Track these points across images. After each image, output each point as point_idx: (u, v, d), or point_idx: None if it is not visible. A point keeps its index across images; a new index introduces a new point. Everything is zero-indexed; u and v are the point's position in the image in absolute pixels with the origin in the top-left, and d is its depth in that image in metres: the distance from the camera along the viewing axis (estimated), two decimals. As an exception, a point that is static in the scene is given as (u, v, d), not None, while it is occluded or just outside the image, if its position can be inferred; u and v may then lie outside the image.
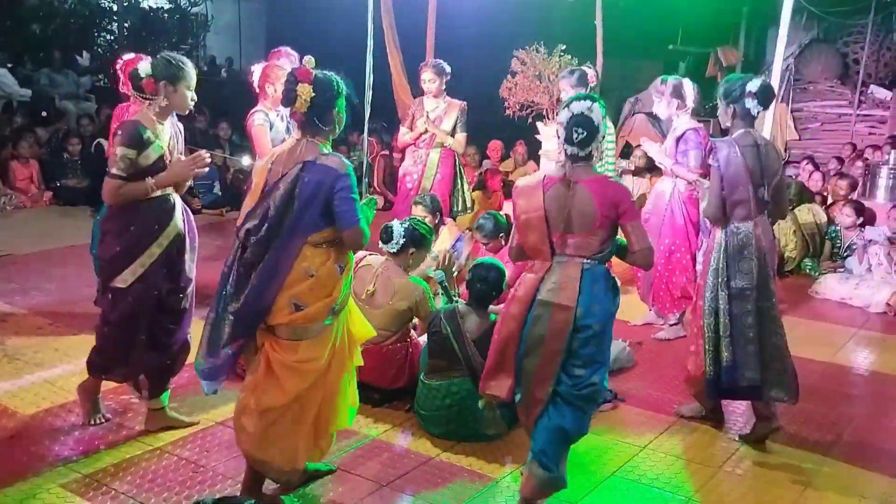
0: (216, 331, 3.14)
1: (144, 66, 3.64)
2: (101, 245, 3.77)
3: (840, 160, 10.38)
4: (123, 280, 3.67)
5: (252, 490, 3.30)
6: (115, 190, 3.57)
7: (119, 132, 3.56)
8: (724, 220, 3.99)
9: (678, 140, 5.26)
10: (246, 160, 5.47)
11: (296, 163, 3.07)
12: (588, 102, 3.18)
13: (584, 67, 6.09)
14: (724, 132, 4.23)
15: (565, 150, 3.20)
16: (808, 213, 7.73)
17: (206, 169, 3.79)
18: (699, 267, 4.34)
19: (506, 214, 5.60)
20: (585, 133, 3.13)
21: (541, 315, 3.17)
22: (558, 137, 3.23)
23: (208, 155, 3.77)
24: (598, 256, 3.17)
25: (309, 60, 3.14)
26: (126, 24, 11.99)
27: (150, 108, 3.66)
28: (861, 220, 7.46)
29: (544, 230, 3.16)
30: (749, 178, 3.91)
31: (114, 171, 3.54)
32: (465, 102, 6.22)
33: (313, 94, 3.06)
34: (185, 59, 3.71)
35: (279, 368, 3.14)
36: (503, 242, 5.39)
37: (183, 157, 3.77)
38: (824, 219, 7.76)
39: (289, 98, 3.09)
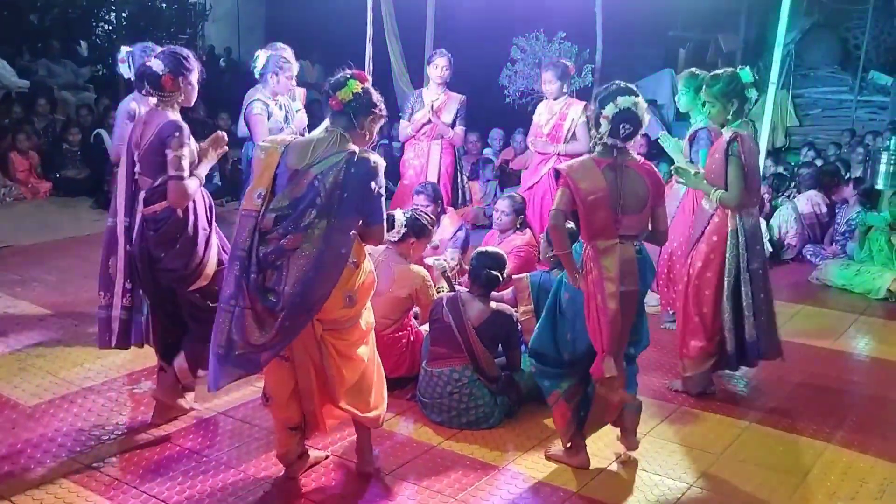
0: (239, 323, 3.04)
1: (157, 63, 3.56)
2: (174, 257, 3.61)
3: (839, 146, 10.35)
4: (206, 276, 3.67)
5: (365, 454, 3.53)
6: (186, 190, 3.55)
7: (176, 134, 3.51)
8: (741, 208, 4.17)
9: (691, 140, 5.18)
10: None
11: (333, 152, 3.05)
12: (634, 97, 3.32)
13: (563, 61, 6.12)
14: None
15: (606, 142, 3.35)
16: (807, 204, 7.70)
17: (227, 148, 3.81)
18: (695, 259, 4.35)
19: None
20: (632, 129, 3.31)
21: (625, 304, 3.38)
22: (596, 129, 3.37)
23: (224, 134, 3.78)
24: (642, 235, 3.46)
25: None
26: (124, 14, 11.91)
27: (174, 106, 3.63)
28: (860, 190, 7.46)
29: (610, 206, 3.33)
30: (757, 166, 4.25)
31: (181, 173, 3.52)
32: (464, 96, 6.18)
33: (359, 91, 3.07)
34: (185, 49, 3.71)
35: (346, 348, 3.22)
36: (518, 224, 5.39)
37: (202, 145, 3.76)
38: (825, 209, 7.73)
39: (337, 83, 3.09)
